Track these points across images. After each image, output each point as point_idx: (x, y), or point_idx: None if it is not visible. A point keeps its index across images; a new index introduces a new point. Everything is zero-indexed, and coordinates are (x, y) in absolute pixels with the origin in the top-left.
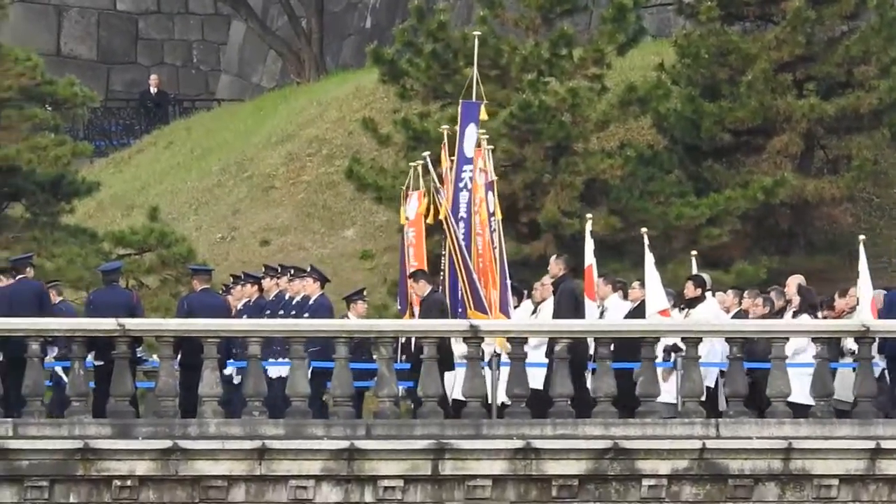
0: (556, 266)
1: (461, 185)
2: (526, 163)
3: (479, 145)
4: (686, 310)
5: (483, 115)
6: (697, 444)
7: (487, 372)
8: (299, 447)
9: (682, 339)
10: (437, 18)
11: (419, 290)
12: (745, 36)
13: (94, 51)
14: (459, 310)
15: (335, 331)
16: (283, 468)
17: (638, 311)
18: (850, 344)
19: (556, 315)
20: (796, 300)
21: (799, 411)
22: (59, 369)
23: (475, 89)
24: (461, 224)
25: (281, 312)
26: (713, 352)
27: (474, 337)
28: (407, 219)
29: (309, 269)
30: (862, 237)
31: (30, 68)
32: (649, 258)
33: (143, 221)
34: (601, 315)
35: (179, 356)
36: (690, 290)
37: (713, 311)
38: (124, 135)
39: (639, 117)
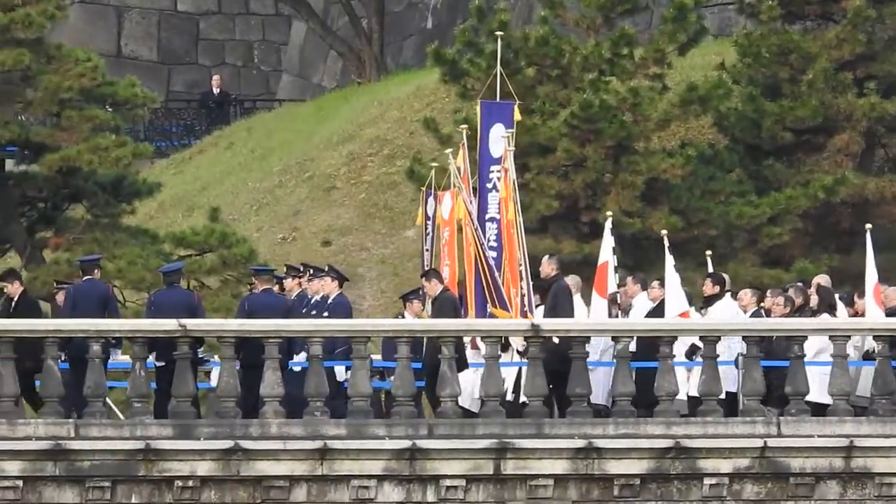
0: (548, 266)
1: (489, 185)
2: (587, 162)
3: (508, 145)
4: (704, 308)
5: (517, 116)
6: (759, 443)
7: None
8: (361, 447)
9: (701, 338)
10: (497, 18)
11: (431, 289)
12: (805, 35)
13: (154, 51)
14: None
15: (397, 330)
16: (344, 468)
17: (658, 311)
18: (869, 342)
19: (554, 315)
20: (815, 300)
21: (818, 410)
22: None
23: (499, 89)
24: (494, 224)
25: (304, 311)
26: (731, 351)
27: (535, 336)
28: (428, 218)
29: (327, 269)
30: (868, 226)
31: (90, 69)
32: (669, 260)
33: (204, 222)
34: (627, 314)
35: (240, 357)
36: (709, 288)
37: (731, 310)
38: (185, 135)
39: (699, 116)
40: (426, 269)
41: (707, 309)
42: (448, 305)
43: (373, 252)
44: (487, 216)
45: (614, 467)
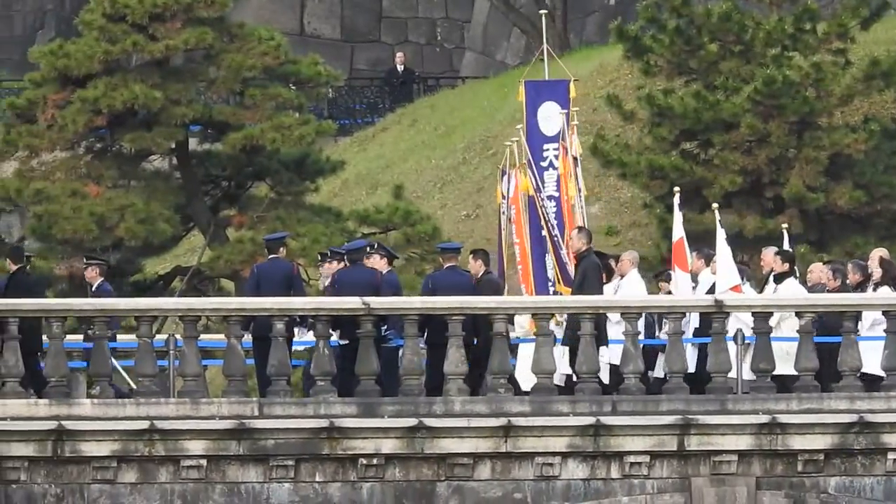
0: (578, 241)
1: (543, 163)
2: (770, 138)
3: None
4: (775, 285)
5: (573, 93)
6: None
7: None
8: (545, 424)
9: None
10: None
11: (474, 268)
12: None
13: (337, 30)
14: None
15: (581, 306)
16: (528, 445)
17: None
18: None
19: (582, 290)
20: (878, 273)
21: (871, 384)
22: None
23: (546, 67)
24: (552, 202)
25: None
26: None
27: (719, 312)
28: (504, 197)
29: (376, 247)
30: (676, 189)
31: (273, 48)
32: (721, 233)
33: (388, 200)
34: (694, 289)
35: (425, 334)
36: (778, 265)
37: (799, 289)
38: (368, 113)
39: (882, 91)
40: (475, 248)
41: (777, 286)
42: (489, 287)
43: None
44: (545, 194)
45: (798, 443)
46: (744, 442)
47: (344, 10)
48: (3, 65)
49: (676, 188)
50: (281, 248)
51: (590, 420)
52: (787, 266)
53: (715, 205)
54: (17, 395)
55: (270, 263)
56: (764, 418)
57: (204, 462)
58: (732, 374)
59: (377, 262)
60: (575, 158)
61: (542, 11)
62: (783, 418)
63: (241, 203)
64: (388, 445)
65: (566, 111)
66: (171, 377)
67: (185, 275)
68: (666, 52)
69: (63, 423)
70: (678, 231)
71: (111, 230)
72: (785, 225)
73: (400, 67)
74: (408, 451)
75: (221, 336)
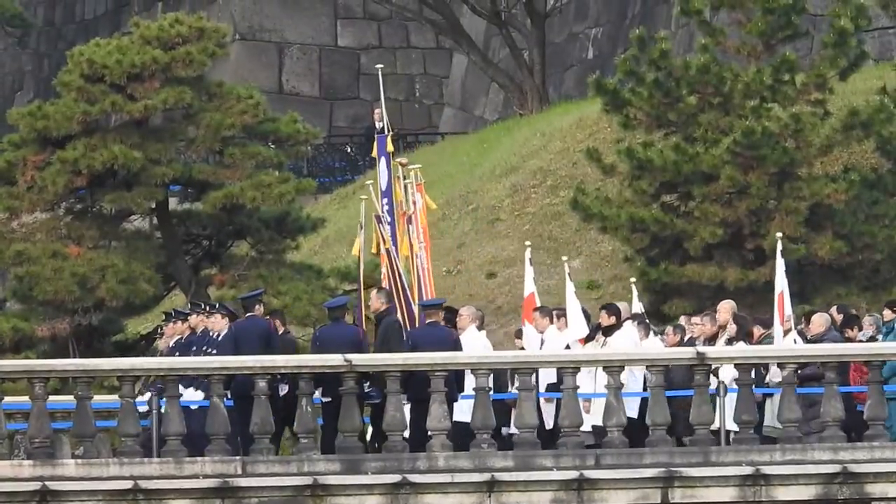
0: (377, 301)
1: (384, 218)
2: (750, 189)
3: (398, 178)
4: (603, 338)
5: (389, 147)
6: None
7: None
8: (529, 478)
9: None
10: (658, 47)
11: (375, 305)
12: None
13: (316, 87)
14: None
15: (565, 361)
16: (512, 500)
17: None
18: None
19: (386, 350)
20: (732, 328)
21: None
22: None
23: (385, 122)
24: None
25: (205, 349)
26: (636, 381)
27: (701, 364)
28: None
29: (217, 306)
30: (779, 234)
31: (252, 106)
32: (570, 286)
33: (368, 257)
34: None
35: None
36: (605, 319)
37: (632, 339)
38: (348, 170)
39: (862, 141)
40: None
41: (606, 339)
42: (390, 325)
43: (538, 283)
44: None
45: (782, 494)
46: (728, 494)
47: (322, 68)
48: None
49: (528, 242)
50: (257, 306)
51: (573, 474)
52: (613, 319)
53: (564, 257)
54: (1, 456)
55: (247, 321)
56: (748, 469)
57: None
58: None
59: (218, 322)
60: (408, 215)
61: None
62: (767, 469)
63: (222, 262)
64: (372, 502)
65: (387, 165)
66: (155, 437)
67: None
68: (645, 104)
69: (47, 483)
70: (529, 286)
71: (92, 291)
72: (633, 279)
73: (378, 124)
74: None
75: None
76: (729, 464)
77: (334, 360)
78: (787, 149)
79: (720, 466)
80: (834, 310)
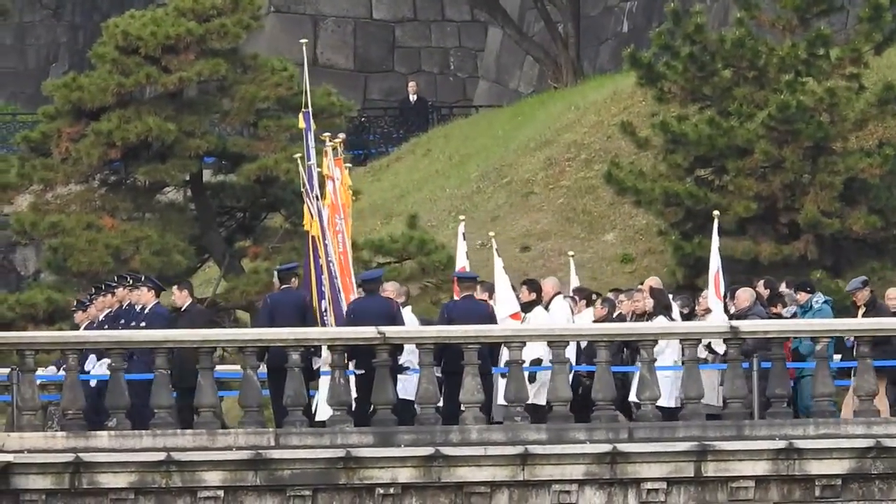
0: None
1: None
2: (784, 163)
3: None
4: (524, 315)
5: (301, 123)
6: None
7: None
8: (562, 451)
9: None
10: (693, 21)
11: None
12: None
13: (350, 60)
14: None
15: (597, 334)
16: (545, 473)
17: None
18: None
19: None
20: (650, 302)
21: (669, 415)
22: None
23: (308, 96)
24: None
25: (133, 323)
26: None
27: (735, 338)
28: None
29: (143, 279)
30: (716, 213)
31: (286, 78)
32: (498, 262)
33: (403, 229)
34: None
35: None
36: (525, 295)
37: (560, 315)
38: (382, 143)
39: None
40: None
41: (526, 315)
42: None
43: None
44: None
45: (815, 468)
46: (761, 468)
47: (357, 41)
48: (16, 98)
49: (461, 216)
50: (293, 279)
51: (606, 447)
52: (533, 295)
53: (491, 233)
54: (35, 427)
55: (283, 294)
56: (781, 444)
57: (221, 493)
58: (710, 401)
59: (145, 295)
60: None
61: None
62: (800, 444)
63: (255, 234)
64: (405, 475)
65: (310, 139)
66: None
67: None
68: (679, 78)
69: (80, 455)
70: (461, 260)
71: (126, 262)
72: (571, 253)
73: (413, 97)
74: (424, 480)
75: (237, 367)
76: (762, 438)
77: (367, 332)
78: (822, 123)
79: (753, 440)
80: (761, 284)
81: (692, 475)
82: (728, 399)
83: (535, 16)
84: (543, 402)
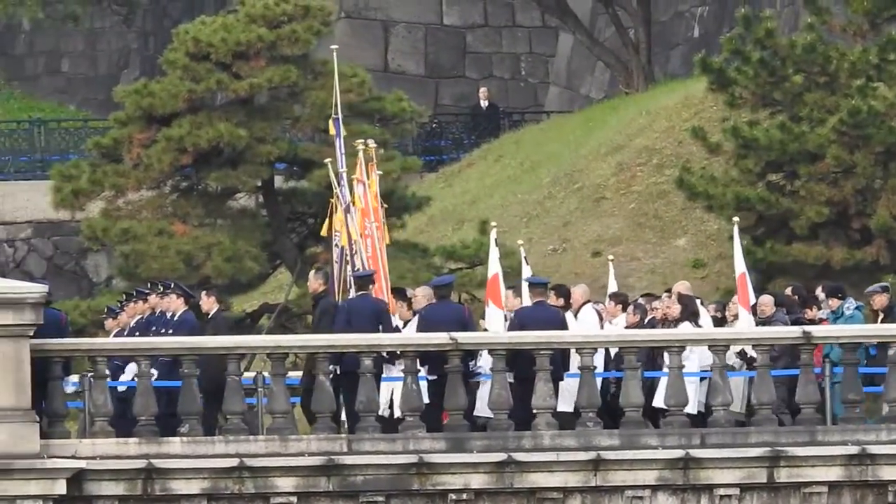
0: (315, 282)
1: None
2: (856, 168)
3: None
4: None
5: (332, 131)
6: None
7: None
8: (634, 457)
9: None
10: (764, 26)
11: (313, 286)
12: None
13: (421, 65)
14: None
15: (665, 340)
16: (618, 479)
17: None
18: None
19: (319, 330)
20: (676, 308)
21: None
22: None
23: (338, 104)
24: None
25: (162, 330)
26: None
27: (808, 343)
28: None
29: (172, 286)
30: (736, 219)
31: (357, 84)
32: (526, 269)
33: (474, 235)
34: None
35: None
36: (553, 300)
37: (589, 322)
38: (454, 149)
39: None
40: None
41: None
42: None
43: (643, 262)
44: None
45: (888, 473)
46: (833, 473)
47: (428, 47)
48: (88, 104)
49: (493, 222)
50: (371, 285)
51: (679, 453)
52: (561, 301)
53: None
54: (107, 434)
55: (360, 300)
56: (853, 449)
57: (294, 499)
58: (735, 408)
59: (174, 302)
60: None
61: None
62: (873, 449)
63: (326, 240)
64: (478, 480)
65: (340, 146)
66: (260, 415)
67: (273, 312)
68: (750, 83)
69: (153, 461)
70: (494, 267)
71: (198, 268)
72: (611, 258)
73: (484, 103)
74: (497, 486)
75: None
76: (835, 443)
77: (439, 338)
78: (893, 128)
79: (826, 446)
80: (789, 290)
81: (765, 481)
82: (801, 404)
83: (606, 21)
84: (571, 409)
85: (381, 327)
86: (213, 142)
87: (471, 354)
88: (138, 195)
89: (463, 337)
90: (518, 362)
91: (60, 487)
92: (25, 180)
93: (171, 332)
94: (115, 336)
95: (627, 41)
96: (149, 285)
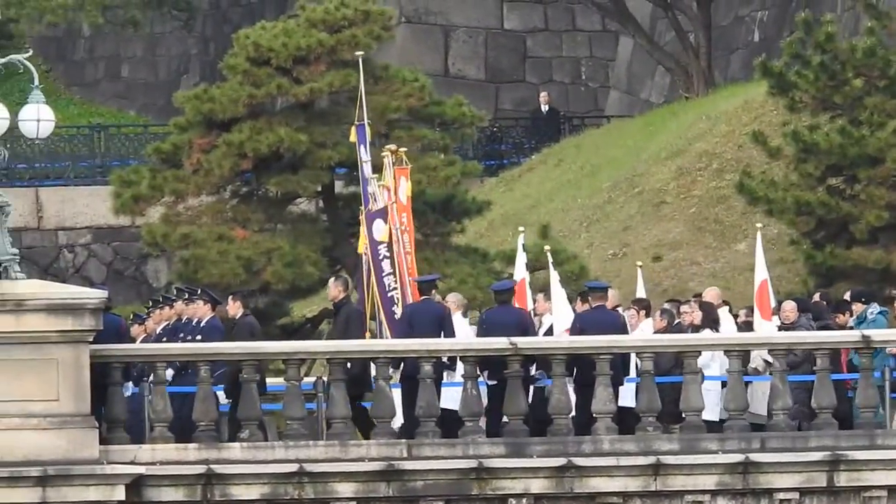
0: (335, 289)
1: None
2: None
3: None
4: None
5: (353, 136)
6: None
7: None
8: (694, 462)
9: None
10: (824, 30)
11: (333, 293)
12: None
13: (482, 70)
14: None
15: (732, 344)
16: (678, 483)
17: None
18: (764, 356)
19: (346, 337)
20: (698, 315)
21: (711, 428)
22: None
23: (363, 110)
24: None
25: (189, 336)
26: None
27: (867, 348)
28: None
29: (199, 292)
30: (759, 225)
31: (417, 89)
32: (554, 275)
33: (535, 239)
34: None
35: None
36: (579, 306)
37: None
38: (514, 153)
39: None
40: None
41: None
42: (349, 313)
43: (704, 266)
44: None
45: None
46: (894, 477)
47: (488, 51)
48: (148, 110)
49: (521, 228)
50: (433, 290)
51: (739, 457)
52: (586, 307)
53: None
54: (167, 439)
55: (423, 304)
56: None
57: None
58: (757, 411)
59: (201, 309)
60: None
61: None
62: None
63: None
64: (538, 485)
65: (363, 153)
66: (320, 420)
67: (333, 317)
68: (811, 87)
69: (212, 466)
70: (520, 272)
71: (258, 274)
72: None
73: (544, 107)
74: (557, 491)
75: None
76: (895, 447)
77: (499, 343)
78: None
79: (886, 450)
80: (817, 296)
81: (825, 485)
82: (862, 408)
83: (666, 25)
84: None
85: (442, 333)
86: (273, 147)
87: (530, 359)
88: (198, 200)
89: (523, 342)
90: (578, 367)
91: (119, 493)
92: (85, 186)
93: (198, 338)
94: (142, 343)
95: (687, 45)
96: (175, 291)
